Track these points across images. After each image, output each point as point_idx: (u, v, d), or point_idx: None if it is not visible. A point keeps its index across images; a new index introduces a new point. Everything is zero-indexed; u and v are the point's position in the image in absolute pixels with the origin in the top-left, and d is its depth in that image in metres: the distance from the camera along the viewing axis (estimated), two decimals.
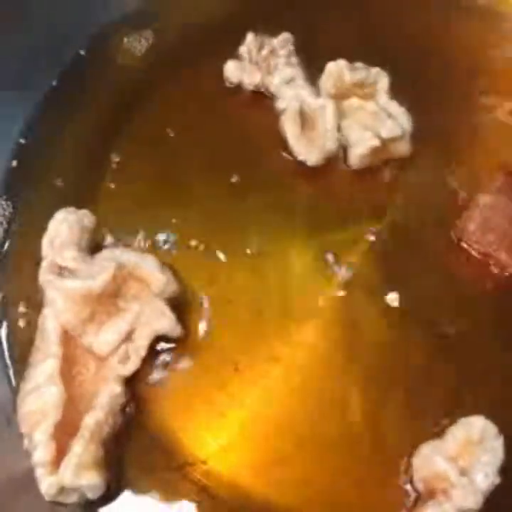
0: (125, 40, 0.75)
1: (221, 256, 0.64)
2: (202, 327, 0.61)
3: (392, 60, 0.70)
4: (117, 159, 0.68)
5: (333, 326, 0.62)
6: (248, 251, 0.64)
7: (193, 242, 0.65)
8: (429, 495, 0.54)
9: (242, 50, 0.72)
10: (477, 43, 0.74)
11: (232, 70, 0.71)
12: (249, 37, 0.72)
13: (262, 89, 0.71)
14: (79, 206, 0.64)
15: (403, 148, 0.68)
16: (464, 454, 0.54)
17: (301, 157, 0.67)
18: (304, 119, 0.68)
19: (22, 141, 0.70)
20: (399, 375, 0.60)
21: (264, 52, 0.71)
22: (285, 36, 0.71)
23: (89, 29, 0.74)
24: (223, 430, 0.58)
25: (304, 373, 0.60)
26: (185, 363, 0.60)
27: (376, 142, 0.65)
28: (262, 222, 0.65)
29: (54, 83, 0.72)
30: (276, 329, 0.61)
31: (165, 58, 0.74)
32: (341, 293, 0.63)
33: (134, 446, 0.57)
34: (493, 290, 0.63)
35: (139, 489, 0.56)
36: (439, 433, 0.56)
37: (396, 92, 0.69)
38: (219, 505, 0.56)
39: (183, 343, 0.60)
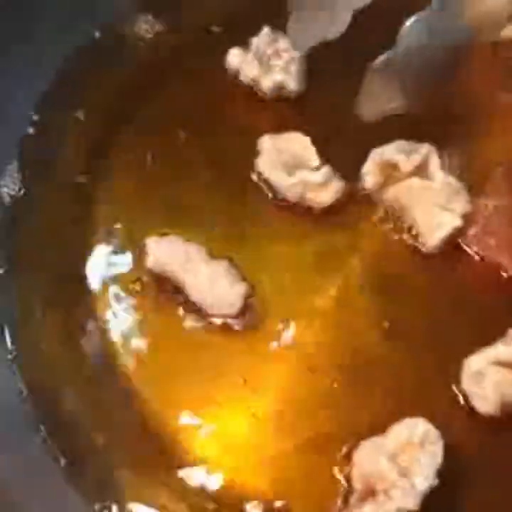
0: (136, 27, 0.76)
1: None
2: None
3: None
4: (122, 148, 0.71)
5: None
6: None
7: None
8: (367, 493, 0.54)
9: (254, 41, 0.70)
10: None
11: (233, 57, 0.71)
12: (265, 30, 0.70)
13: (256, 88, 0.71)
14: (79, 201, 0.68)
15: None
16: (403, 453, 0.54)
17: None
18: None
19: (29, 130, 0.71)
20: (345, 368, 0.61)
21: (270, 50, 0.70)
22: None
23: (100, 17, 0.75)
24: (223, 430, 0.59)
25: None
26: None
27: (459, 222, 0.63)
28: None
29: (63, 68, 0.74)
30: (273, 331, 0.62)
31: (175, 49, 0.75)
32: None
33: (133, 446, 0.59)
34: (494, 293, 0.62)
35: (137, 490, 0.58)
36: (380, 430, 0.56)
37: None
38: (220, 505, 0.57)
39: None
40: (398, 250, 0.65)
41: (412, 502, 0.52)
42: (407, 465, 0.54)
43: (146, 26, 0.76)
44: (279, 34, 0.70)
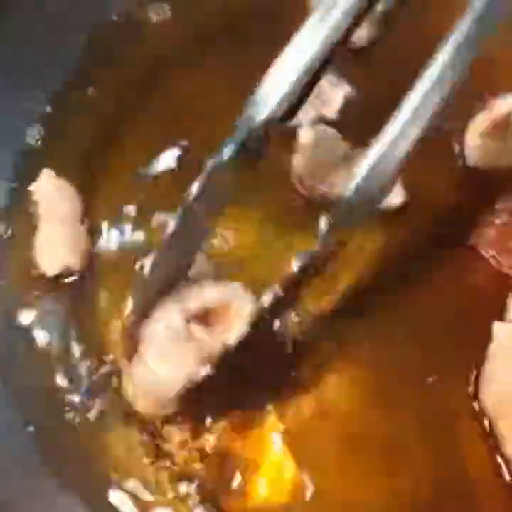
0: (147, 15, 0.72)
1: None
2: None
3: None
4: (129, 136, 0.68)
5: None
6: None
7: None
8: None
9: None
10: None
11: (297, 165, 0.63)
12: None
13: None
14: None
15: None
16: None
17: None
18: None
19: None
20: None
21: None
22: None
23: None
24: (224, 430, 0.58)
25: None
26: None
27: None
28: None
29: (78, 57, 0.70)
30: None
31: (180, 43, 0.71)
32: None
33: (132, 445, 0.58)
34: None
35: (135, 489, 0.56)
36: None
37: None
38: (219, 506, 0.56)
39: None
40: None
41: None
42: None
43: (156, 14, 0.72)
44: None
